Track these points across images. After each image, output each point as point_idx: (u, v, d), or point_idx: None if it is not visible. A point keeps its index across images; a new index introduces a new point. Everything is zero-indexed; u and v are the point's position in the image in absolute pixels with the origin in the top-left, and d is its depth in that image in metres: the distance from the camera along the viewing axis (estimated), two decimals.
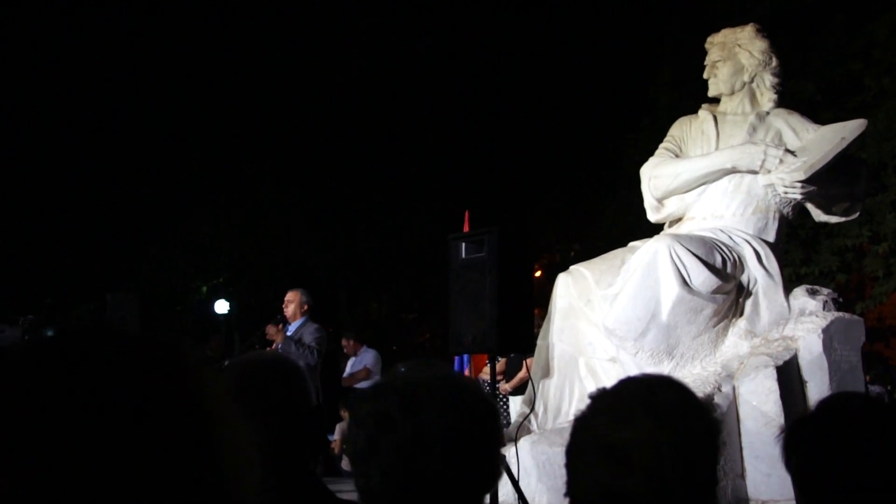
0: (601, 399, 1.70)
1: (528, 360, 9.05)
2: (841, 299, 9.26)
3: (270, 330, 9.74)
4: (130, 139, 27.05)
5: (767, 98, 9.27)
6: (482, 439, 1.73)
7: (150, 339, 0.97)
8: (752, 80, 9.31)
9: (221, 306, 26.72)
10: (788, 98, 11.01)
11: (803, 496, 1.79)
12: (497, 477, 1.80)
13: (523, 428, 8.66)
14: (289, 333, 9.94)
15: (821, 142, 8.72)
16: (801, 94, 16.81)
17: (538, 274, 25.77)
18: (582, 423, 1.70)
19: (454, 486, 1.69)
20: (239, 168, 25.82)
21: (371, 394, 1.77)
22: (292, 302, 9.91)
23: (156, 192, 27.05)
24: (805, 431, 1.80)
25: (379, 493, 1.70)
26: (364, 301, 30.10)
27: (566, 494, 1.70)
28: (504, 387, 10.83)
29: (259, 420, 2.46)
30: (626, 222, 18.31)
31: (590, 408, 1.69)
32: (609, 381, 1.83)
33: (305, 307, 9.93)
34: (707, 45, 9.60)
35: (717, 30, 9.69)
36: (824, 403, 1.89)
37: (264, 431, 2.42)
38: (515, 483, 6.35)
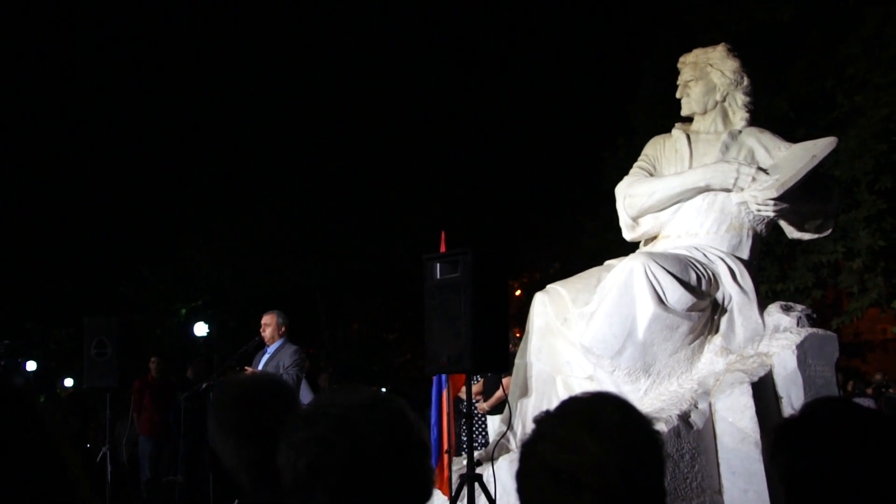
0: (545, 423, 1.73)
1: (506, 380, 9.07)
2: (815, 315, 9.32)
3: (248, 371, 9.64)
4: (110, 164, 27.02)
5: (739, 117, 9.35)
6: (416, 450, 1.79)
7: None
8: (724, 100, 9.40)
9: (201, 329, 26.62)
10: (762, 115, 11.12)
11: (790, 496, 1.83)
12: (430, 486, 1.86)
13: (501, 447, 8.68)
14: (267, 355, 9.92)
15: (792, 159, 8.80)
16: (775, 111, 16.96)
17: (518, 293, 25.84)
18: (529, 449, 1.73)
19: (396, 498, 1.74)
20: (218, 192, 25.80)
21: (304, 420, 1.80)
22: (269, 325, 9.88)
23: (135, 216, 27.01)
24: (792, 432, 1.84)
25: None
26: (344, 322, 30.03)
27: None
28: (482, 406, 10.85)
29: (253, 437, 2.50)
30: (606, 240, 18.38)
31: (535, 432, 1.73)
32: None
33: (283, 329, 9.91)
34: (679, 65, 9.68)
35: (692, 49, 9.78)
36: (811, 406, 1.93)
37: (258, 448, 2.45)
38: (493, 502, 6.36)
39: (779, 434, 1.87)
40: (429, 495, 1.85)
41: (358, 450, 1.74)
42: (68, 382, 33.91)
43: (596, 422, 1.65)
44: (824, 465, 1.76)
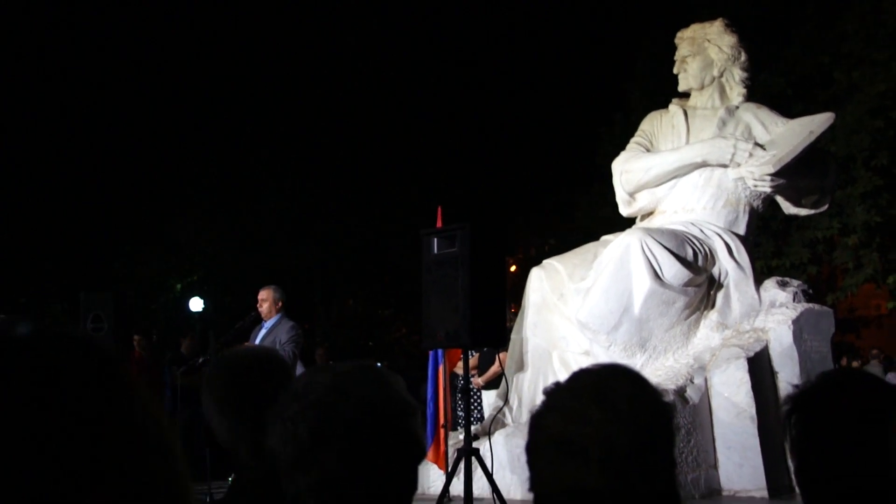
0: (554, 395, 1.73)
1: (502, 355, 9.09)
2: (811, 291, 9.37)
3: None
4: (106, 139, 26.91)
5: (737, 92, 9.34)
6: (408, 409, 1.83)
7: (82, 340, 0.98)
8: (721, 75, 9.38)
9: (196, 304, 26.57)
10: (759, 91, 11.10)
11: (801, 469, 1.83)
12: (424, 445, 1.89)
13: (497, 421, 8.71)
14: (264, 331, 9.91)
15: (789, 135, 8.80)
16: (772, 87, 16.92)
17: (513, 269, 25.85)
18: (537, 421, 1.73)
19: (396, 455, 1.77)
20: (215, 167, 25.74)
21: (294, 395, 1.81)
22: (266, 300, 9.85)
23: (131, 190, 26.92)
24: (806, 402, 1.84)
25: (334, 484, 1.73)
26: (339, 297, 30.03)
27: (530, 489, 1.74)
28: (477, 381, 10.87)
29: (249, 412, 2.50)
30: (601, 216, 18.38)
31: (544, 404, 1.73)
32: None
33: (279, 304, 9.88)
34: (677, 41, 9.65)
35: (689, 24, 9.75)
36: (825, 376, 1.93)
37: (254, 423, 2.45)
38: (490, 476, 6.38)
39: (792, 404, 1.86)
40: (423, 454, 1.88)
41: (358, 410, 1.75)
42: None
43: (605, 393, 1.65)
44: (838, 436, 1.76)
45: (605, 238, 9.31)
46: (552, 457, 1.66)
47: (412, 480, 1.87)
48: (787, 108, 11.93)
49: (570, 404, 1.67)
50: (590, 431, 1.60)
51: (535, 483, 1.73)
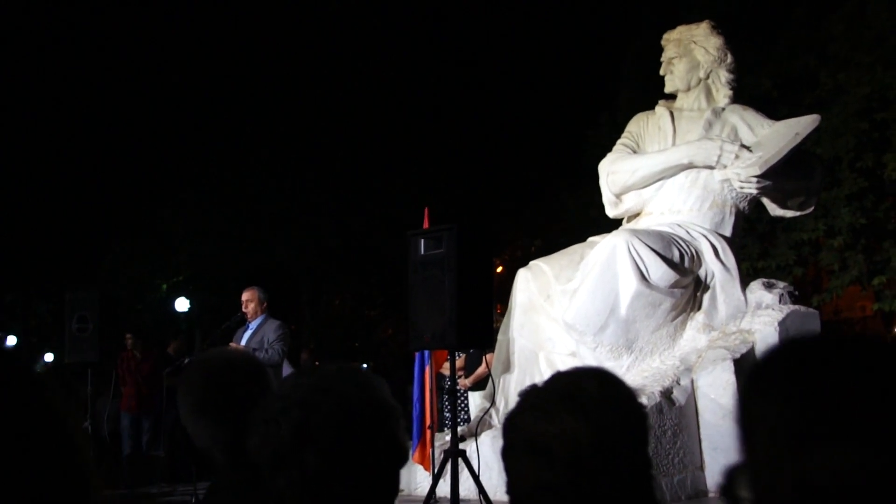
0: (528, 396, 1.75)
1: (489, 356, 9.10)
2: (797, 292, 9.39)
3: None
4: (92, 136, 26.82)
5: (723, 94, 9.36)
6: (391, 411, 1.85)
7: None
8: (707, 77, 9.40)
9: (182, 304, 26.49)
10: (745, 93, 11.12)
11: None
12: (407, 449, 1.90)
13: (484, 423, 8.71)
14: (250, 331, 9.88)
15: (775, 137, 8.82)
16: (758, 89, 16.96)
17: (499, 270, 25.83)
18: (510, 421, 1.75)
19: (378, 458, 1.78)
20: (201, 166, 25.67)
21: (277, 396, 1.82)
22: (251, 301, 9.84)
23: (117, 189, 26.85)
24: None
25: (313, 483, 1.73)
26: (326, 297, 30.01)
27: (507, 492, 1.75)
28: (463, 382, 10.86)
29: (226, 415, 2.47)
30: (588, 217, 18.41)
31: (518, 405, 1.74)
32: None
33: (264, 304, 9.87)
34: (663, 42, 9.67)
35: (676, 26, 9.77)
36: (789, 344, 1.88)
37: (231, 427, 2.42)
38: (476, 477, 6.38)
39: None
40: (405, 458, 1.88)
41: (340, 409, 1.76)
42: (48, 357, 33.78)
43: (575, 395, 1.67)
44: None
45: (591, 239, 9.32)
46: (523, 457, 1.67)
47: (394, 483, 1.87)
48: (773, 110, 11.94)
49: (540, 405, 1.68)
50: (556, 431, 1.62)
51: (510, 485, 1.74)
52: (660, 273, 8.32)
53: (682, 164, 9.00)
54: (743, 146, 8.81)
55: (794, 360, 1.02)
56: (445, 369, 9.90)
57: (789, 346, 1.03)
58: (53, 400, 1.07)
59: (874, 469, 0.84)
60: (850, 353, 0.96)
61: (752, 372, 1.05)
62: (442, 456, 6.85)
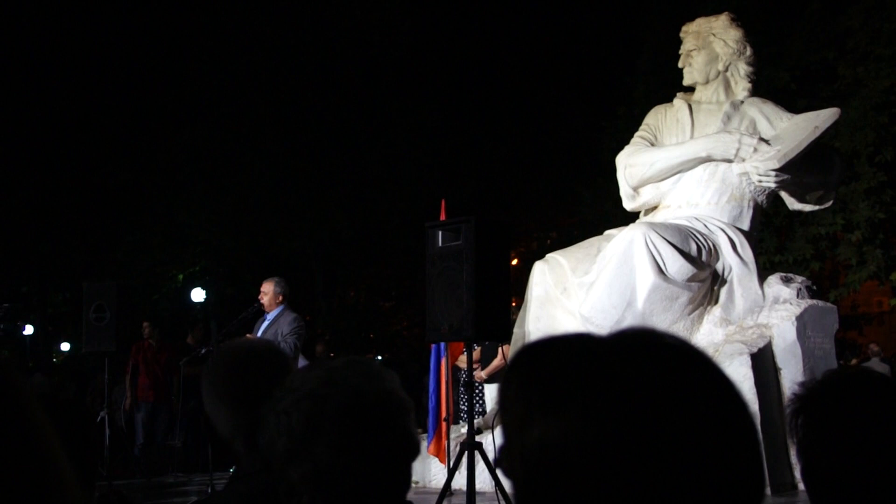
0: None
1: (505, 348, 9.09)
2: (814, 287, 9.35)
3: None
4: (108, 128, 26.88)
5: (742, 87, 9.31)
6: (402, 405, 1.86)
7: None
8: (726, 69, 9.35)
9: (198, 294, 26.60)
10: (763, 86, 11.08)
11: (808, 470, 1.81)
12: (417, 443, 1.90)
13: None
14: (266, 322, 9.90)
15: (794, 130, 8.77)
16: (776, 82, 16.90)
17: (515, 262, 25.82)
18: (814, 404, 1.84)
19: (389, 450, 1.78)
20: (216, 156, 25.67)
21: (287, 389, 1.82)
22: (267, 293, 9.86)
23: (133, 180, 26.90)
24: (813, 404, 1.82)
25: (326, 475, 1.74)
26: (341, 289, 30.03)
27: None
28: (479, 374, 10.85)
29: (249, 404, 2.48)
30: (603, 210, 18.38)
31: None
32: None
33: (280, 297, 9.88)
34: (682, 34, 9.62)
35: (694, 18, 9.73)
36: (834, 375, 1.91)
37: (254, 416, 2.43)
38: (493, 470, 6.38)
39: (798, 404, 1.84)
40: (416, 451, 1.88)
41: (351, 401, 1.77)
42: (65, 347, 33.96)
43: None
44: (846, 436, 1.74)
45: (608, 232, 9.29)
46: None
47: (406, 476, 1.88)
48: (792, 103, 11.89)
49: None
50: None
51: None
52: (677, 266, 8.29)
53: (701, 157, 8.95)
54: (762, 139, 8.76)
55: (535, 352, 1.19)
56: (461, 361, 9.91)
57: (539, 342, 1.21)
58: (11, 388, 1.07)
59: (575, 440, 1.04)
60: (571, 347, 1.16)
61: (510, 363, 1.23)
62: (458, 448, 6.86)
